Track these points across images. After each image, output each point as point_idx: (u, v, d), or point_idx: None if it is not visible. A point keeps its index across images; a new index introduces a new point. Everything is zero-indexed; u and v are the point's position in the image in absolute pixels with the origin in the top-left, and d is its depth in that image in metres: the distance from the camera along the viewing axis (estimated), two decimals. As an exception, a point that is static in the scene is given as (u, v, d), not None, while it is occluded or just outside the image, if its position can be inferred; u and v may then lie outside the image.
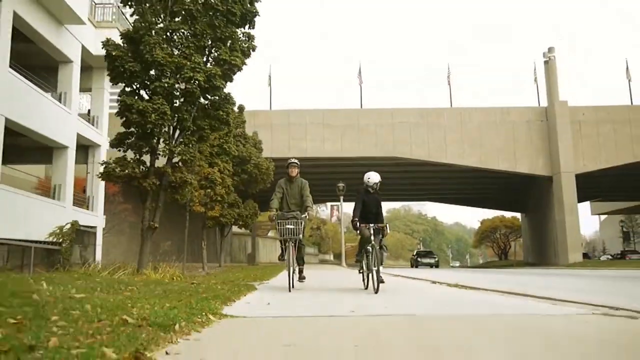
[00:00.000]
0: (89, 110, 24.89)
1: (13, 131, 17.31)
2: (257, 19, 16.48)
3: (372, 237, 7.90)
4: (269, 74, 42.71)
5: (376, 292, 7.39)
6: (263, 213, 35.64)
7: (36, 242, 16.26)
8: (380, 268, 7.68)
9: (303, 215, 8.46)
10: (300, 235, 8.30)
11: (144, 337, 2.66)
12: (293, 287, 8.21)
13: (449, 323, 4.35)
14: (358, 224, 8.21)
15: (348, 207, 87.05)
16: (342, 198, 38.63)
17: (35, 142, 19.84)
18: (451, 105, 41.96)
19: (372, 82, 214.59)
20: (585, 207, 70.75)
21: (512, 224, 67.73)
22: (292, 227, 8.11)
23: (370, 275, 7.92)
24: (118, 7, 24.91)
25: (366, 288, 8.35)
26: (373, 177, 8.64)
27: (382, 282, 7.78)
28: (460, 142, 39.26)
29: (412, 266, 45.09)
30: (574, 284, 11.86)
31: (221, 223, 25.48)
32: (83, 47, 22.00)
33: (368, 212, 8.47)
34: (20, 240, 16.02)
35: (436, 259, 46.19)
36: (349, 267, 33.58)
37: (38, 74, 20.19)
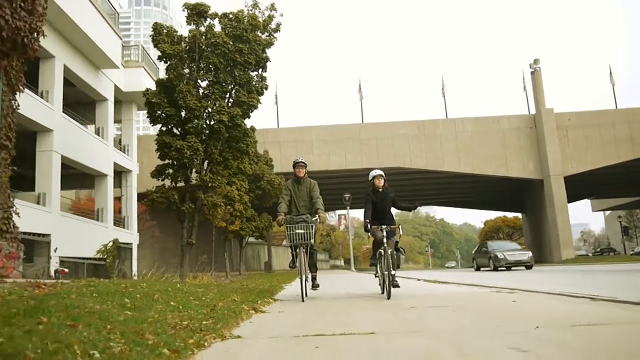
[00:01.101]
0: (120, 139, 28.05)
1: (64, 164, 20.47)
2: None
3: (385, 239, 7.40)
4: (275, 93, 45.90)
5: (388, 298, 6.96)
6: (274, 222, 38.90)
7: (86, 258, 19.41)
8: (394, 272, 7.21)
9: (314, 219, 7.58)
10: (312, 240, 7.49)
11: (245, 306, 5.71)
12: (306, 295, 7.52)
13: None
14: (369, 226, 7.66)
15: (355, 214, 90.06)
16: (348, 207, 41.61)
17: (80, 171, 22.97)
18: (446, 116, 45.01)
19: (372, 96, 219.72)
20: (586, 204, 73.32)
21: (514, 224, 70.27)
22: (302, 231, 7.33)
23: (383, 279, 7.47)
24: (142, 47, 28.22)
25: (383, 293, 7.71)
26: (372, 173, 8.15)
27: (397, 286, 7.36)
28: (455, 151, 42.24)
29: (477, 269, 26.49)
30: (530, 277, 14.72)
31: (240, 235, 28.62)
32: (115, 86, 25.15)
33: (380, 212, 7.87)
34: (75, 258, 19.17)
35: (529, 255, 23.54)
36: (358, 272, 36.52)
37: (78, 111, 23.36)
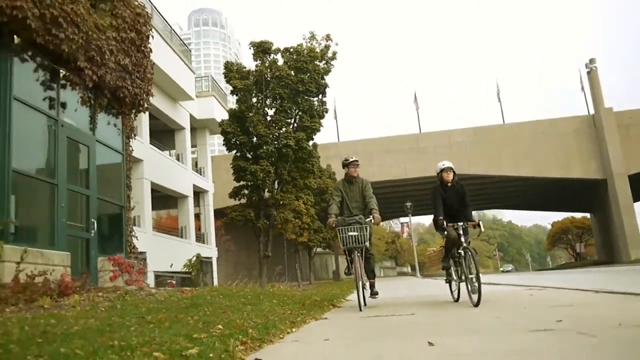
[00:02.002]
0: (196, 162, 30.78)
1: (152, 188, 23.14)
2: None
3: (462, 238, 6.65)
4: (334, 108, 47.95)
5: (476, 306, 5.93)
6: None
7: (175, 272, 21.91)
8: (472, 275, 6.28)
9: (367, 219, 6.97)
10: (367, 243, 6.85)
11: (326, 303, 7.56)
12: (365, 304, 6.94)
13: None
14: (444, 223, 6.82)
15: (417, 220, 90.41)
16: (410, 215, 42.95)
17: (164, 193, 25.67)
18: (503, 122, 45.57)
19: (429, 105, 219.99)
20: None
21: (583, 224, 68.90)
22: (355, 234, 6.74)
23: (466, 284, 6.51)
24: (212, 77, 30.95)
25: (456, 300, 7.02)
26: (439, 165, 7.33)
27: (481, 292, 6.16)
28: (513, 155, 42.75)
29: None
30: (588, 277, 15.75)
31: (309, 246, 30.65)
32: (190, 115, 27.84)
33: (449, 209, 7.11)
34: (165, 272, 21.70)
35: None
36: (424, 277, 37.81)
37: (160, 139, 26.12)
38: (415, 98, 48.21)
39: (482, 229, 7.05)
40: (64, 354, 2.52)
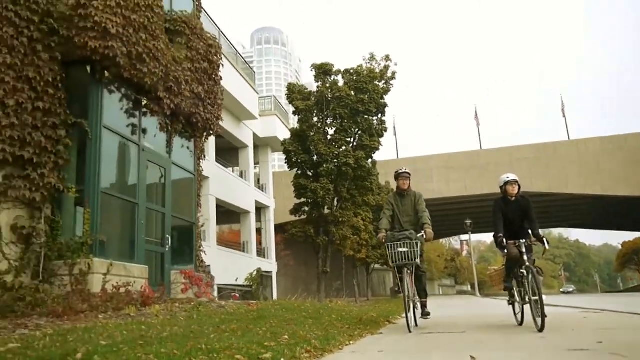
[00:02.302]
0: (258, 179, 31.82)
1: (217, 205, 24.18)
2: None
3: (525, 256, 6.18)
4: (393, 125, 48.24)
5: (540, 330, 5.50)
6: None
7: (237, 285, 22.75)
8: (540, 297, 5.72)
9: (419, 235, 6.62)
10: (417, 260, 6.48)
11: (382, 319, 7.98)
12: (416, 325, 6.69)
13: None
14: (504, 241, 6.42)
15: (477, 238, 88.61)
16: (470, 233, 42.45)
17: (227, 209, 26.71)
18: (568, 138, 44.42)
19: (489, 121, 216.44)
20: None
21: (658, 245, 65.66)
22: (405, 250, 6.40)
23: (530, 307, 6.03)
24: (275, 97, 32.01)
25: (520, 324, 6.55)
26: (503, 178, 6.90)
27: (544, 316, 5.66)
28: (579, 172, 41.53)
29: None
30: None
31: (367, 263, 30.95)
32: (253, 133, 28.90)
33: (511, 225, 6.69)
34: (228, 285, 22.57)
35: None
36: (483, 297, 37.23)
37: (224, 157, 27.26)
38: (476, 114, 47.84)
39: (548, 246, 6.31)
40: (165, 354, 3.10)
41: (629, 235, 72.88)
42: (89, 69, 8.43)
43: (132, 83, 8.84)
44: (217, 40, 12.11)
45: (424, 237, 6.72)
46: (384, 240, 6.74)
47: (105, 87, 8.55)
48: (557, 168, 41.98)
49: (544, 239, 6.39)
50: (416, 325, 6.67)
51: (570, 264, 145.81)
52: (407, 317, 6.22)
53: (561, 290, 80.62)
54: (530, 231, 6.67)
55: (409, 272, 6.47)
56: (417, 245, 6.45)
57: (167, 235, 10.11)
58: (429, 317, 7.04)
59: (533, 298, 5.81)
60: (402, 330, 6.24)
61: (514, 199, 6.73)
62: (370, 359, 3.89)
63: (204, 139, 11.81)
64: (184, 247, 11.34)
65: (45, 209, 7.70)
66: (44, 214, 7.67)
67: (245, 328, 4.86)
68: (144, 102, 9.37)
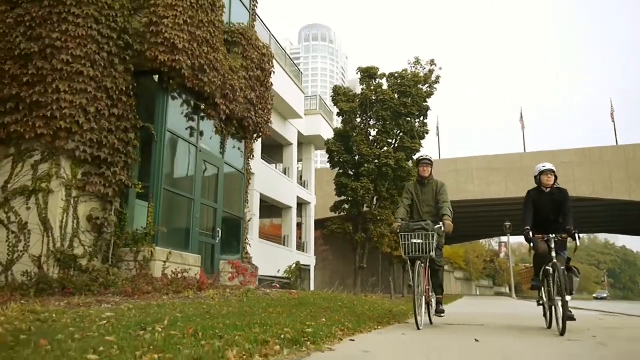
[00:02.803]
0: (300, 176, 32.82)
1: (261, 199, 25.27)
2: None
3: (553, 253, 5.75)
4: (437, 125, 48.45)
5: (562, 334, 5.14)
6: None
7: (276, 277, 23.78)
8: (568, 298, 5.42)
9: (437, 226, 6.22)
10: (432, 253, 6.09)
11: (411, 312, 8.74)
12: (431, 323, 6.56)
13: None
14: (531, 233, 6.03)
15: (520, 240, 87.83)
16: (509, 235, 42.42)
17: (270, 204, 27.79)
18: (616, 143, 43.74)
19: (535, 125, 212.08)
20: None
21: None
22: (419, 241, 6.03)
23: (555, 308, 5.63)
24: (320, 97, 32.91)
25: (549, 327, 6.04)
26: (538, 167, 6.44)
27: (572, 319, 5.55)
28: (626, 178, 40.91)
29: None
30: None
31: (403, 261, 31.51)
32: (298, 131, 29.87)
33: (544, 220, 6.25)
34: (268, 276, 23.62)
35: None
36: (518, 299, 37.30)
37: (269, 153, 28.33)
38: (522, 117, 47.56)
39: (579, 242, 5.87)
40: (230, 324, 4.00)
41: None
42: (156, 78, 9.50)
43: (194, 91, 9.85)
44: (270, 49, 13.04)
45: (442, 229, 6.29)
46: (398, 230, 6.26)
47: (169, 94, 9.59)
48: (603, 173, 41.46)
49: (576, 235, 5.84)
50: (430, 322, 6.51)
51: (615, 270, 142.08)
52: (415, 313, 5.76)
53: (594, 295, 75.54)
54: (565, 227, 6.06)
55: (422, 265, 6.07)
56: (432, 237, 6.02)
57: (218, 229, 11.13)
58: (443, 315, 6.74)
59: (557, 298, 5.41)
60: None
61: (548, 190, 6.24)
62: (394, 338, 4.71)
63: (253, 140, 12.77)
64: (232, 239, 12.35)
65: (115, 203, 8.78)
66: (114, 206, 8.75)
67: (289, 311, 5.73)
68: (202, 107, 10.38)
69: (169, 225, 9.49)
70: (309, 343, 3.68)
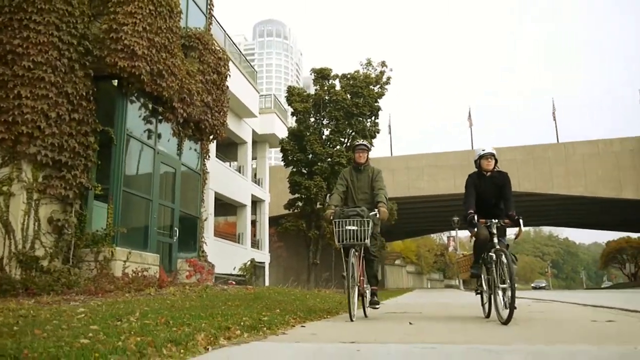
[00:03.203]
0: (255, 174, 33.17)
1: (215, 198, 25.54)
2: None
3: (495, 239, 5.62)
4: (388, 123, 49.60)
5: (505, 323, 5.03)
6: (387, 243, 42.44)
7: (231, 274, 24.16)
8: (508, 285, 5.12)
9: (372, 213, 5.96)
10: (367, 241, 5.82)
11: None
12: (365, 316, 6.36)
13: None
14: (475, 217, 5.78)
15: (466, 234, 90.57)
16: (457, 229, 43.98)
17: (225, 202, 28.07)
18: (557, 141, 45.96)
19: (482, 123, 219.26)
20: None
21: (639, 245, 67.47)
22: (354, 228, 5.76)
23: (495, 297, 5.51)
24: (274, 96, 33.33)
25: (487, 316, 6.02)
26: (478, 151, 6.27)
27: (514, 307, 5.03)
28: (565, 174, 43.13)
29: None
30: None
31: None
32: (252, 130, 30.21)
33: (484, 204, 6.07)
34: (225, 274, 23.97)
35: None
36: (465, 290, 38.80)
37: (223, 152, 28.56)
38: (470, 115, 49.27)
39: (523, 228, 5.73)
40: (195, 315, 4.49)
41: (615, 235, 74.86)
42: (115, 82, 9.81)
43: (152, 95, 10.20)
44: (226, 53, 13.45)
45: (378, 216, 6.02)
46: (332, 217, 6.04)
47: (128, 99, 9.91)
48: (545, 169, 43.54)
49: (519, 220, 5.74)
50: (365, 315, 6.34)
51: (559, 261, 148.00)
52: (349, 304, 5.60)
53: (532, 285, 75.70)
54: (506, 213, 6.01)
55: (356, 253, 5.85)
56: (368, 223, 5.76)
57: (175, 228, 11.51)
58: (378, 307, 6.53)
59: (501, 286, 5.23)
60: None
61: (489, 174, 6.12)
62: (340, 324, 5.30)
63: (209, 141, 13.16)
64: (189, 238, 12.72)
65: (75, 205, 9.05)
66: (74, 208, 9.02)
67: (246, 304, 6.24)
68: (160, 110, 10.72)
69: (128, 225, 9.81)
70: (265, 329, 4.24)
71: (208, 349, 3.18)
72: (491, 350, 3.30)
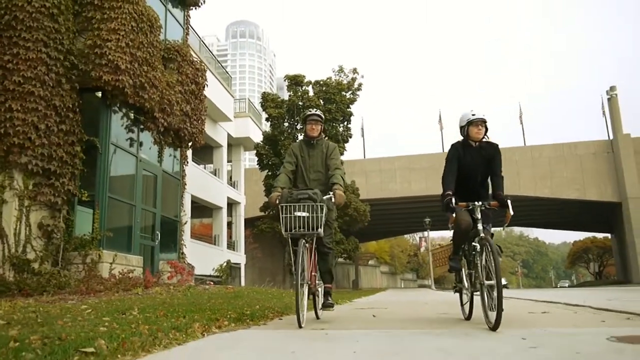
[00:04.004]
0: (230, 176, 33.67)
1: (192, 201, 26.01)
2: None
3: (480, 225, 4.64)
4: (361, 126, 50.50)
5: (494, 329, 4.13)
6: (361, 244, 43.34)
7: (207, 275, 24.69)
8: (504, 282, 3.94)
9: (326, 197, 5.00)
10: (321, 230, 4.84)
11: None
12: (318, 318, 5.44)
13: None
14: (453, 200, 4.76)
15: (442, 234, 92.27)
16: (429, 230, 45.12)
17: (201, 204, 28.54)
18: (524, 144, 47.49)
19: (453, 127, 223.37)
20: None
21: (604, 244, 69.86)
22: (304, 214, 4.82)
23: (480, 295, 4.57)
24: (249, 100, 33.89)
25: (467, 318, 5.24)
26: (466, 115, 5.14)
27: (501, 309, 4.10)
28: (532, 176, 44.65)
29: None
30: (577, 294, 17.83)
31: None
32: (227, 134, 30.74)
33: (469, 181, 5.11)
34: (203, 275, 24.48)
35: None
36: (437, 290, 39.92)
37: (199, 155, 29.03)
38: (440, 118, 50.50)
39: (512, 212, 4.73)
40: (185, 309, 5.14)
41: (582, 235, 77.32)
42: (99, 94, 10.35)
43: (134, 106, 10.76)
44: (203, 63, 14.04)
45: (333, 200, 5.06)
46: (277, 201, 5.08)
47: (112, 110, 10.46)
48: (512, 171, 44.97)
49: (509, 202, 4.77)
50: (317, 317, 5.43)
51: (529, 260, 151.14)
52: (297, 306, 4.57)
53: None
54: (493, 193, 5.08)
55: (307, 245, 4.95)
56: (321, 209, 4.84)
57: (157, 231, 12.07)
58: (332, 308, 5.43)
59: (487, 283, 4.39)
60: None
61: (477, 144, 5.11)
62: (312, 315, 6.01)
63: (188, 148, 13.74)
64: (169, 241, 13.29)
65: (63, 210, 9.59)
66: (62, 214, 9.56)
67: (228, 301, 6.89)
68: (142, 120, 11.28)
69: (112, 229, 10.36)
70: (249, 320, 4.92)
71: (204, 334, 3.85)
72: (430, 333, 4.04)
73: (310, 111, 5.76)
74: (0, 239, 8.53)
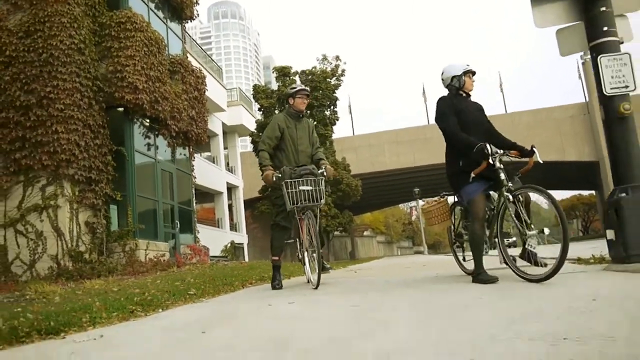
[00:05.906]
0: (227, 162, 35.68)
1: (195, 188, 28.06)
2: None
3: (503, 175, 4.20)
4: (349, 104, 52.40)
5: (546, 277, 3.82)
6: (356, 217, 45.67)
7: (215, 256, 26.89)
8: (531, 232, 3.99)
9: (320, 171, 5.41)
10: (323, 200, 5.26)
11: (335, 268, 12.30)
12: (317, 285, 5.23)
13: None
14: (487, 147, 4.25)
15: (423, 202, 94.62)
16: (418, 199, 47.42)
17: (203, 191, 30.59)
18: (505, 111, 49.60)
19: (436, 98, 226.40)
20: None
21: (590, 201, 72.56)
22: (309, 188, 5.14)
23: (525, 252, 4.20)
24: (239, 89, 35.73)
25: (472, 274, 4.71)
26: (456, 67, 4.79)
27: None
28: (512, 141, 46.74)
29: None
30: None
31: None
32: (222, 122, 32.65)
33: (474, 127, 4.57)
34: (213, 256, 26.64)
35: None
36: (429, 254, 42.35)
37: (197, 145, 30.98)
38: (424, 91, 52.43)
39: (539, 158, 4.46)
40: (224, 274, 7.28)
41: (568, 194, 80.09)
42: (121, 109, 12.34)
43: (151, 117, 12.77)
44: (202, 71, 15.99)
45: (325, 174, 5.42)
46: (275, 179, 5.32)
47: (133, 122, 12.47)
48: (493, 138, 47.08)
49: (534, 149, 4.48)
50: (316, 286, 5.34)
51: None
52: (305, 265, 5.40)
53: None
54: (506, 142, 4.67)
55: (311, 216, 5.20)
56: (322, 182, 5.26)
57: (176, 220, 14.19)
58: (329, 271, 5.97)
59: (529, 233, 3.99)
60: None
61: (466, 95, 4.80)
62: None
63: (194, 146, 15.79)
64: (186, 228, 15.42)
65: (102, 210, 11.67)
66: (102, 213, 11.64)
67: (247, 271, 9.03)
68: (157, 127, 13.30)
69: (143, 222, 12.46)
70: (268, 280, 7.07)
71: (242, 287, 6.00)
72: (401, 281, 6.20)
73: (297, 86, 5.92)
74: (59, 237, 10.62)
